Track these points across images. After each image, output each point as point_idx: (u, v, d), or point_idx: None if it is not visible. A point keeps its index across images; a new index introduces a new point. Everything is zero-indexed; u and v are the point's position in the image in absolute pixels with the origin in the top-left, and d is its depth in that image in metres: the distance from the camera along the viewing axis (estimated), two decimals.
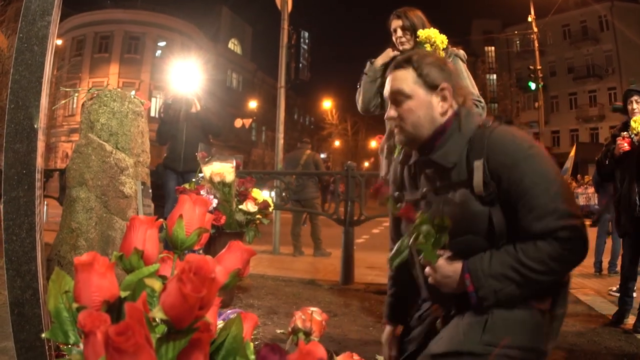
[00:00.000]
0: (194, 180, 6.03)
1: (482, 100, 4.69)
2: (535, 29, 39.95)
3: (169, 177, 8.69)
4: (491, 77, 63.12)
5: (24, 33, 1.87)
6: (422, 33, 4.61)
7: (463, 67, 4.75)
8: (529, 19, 39.82)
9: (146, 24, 55.67)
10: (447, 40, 4.62)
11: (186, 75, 9.15)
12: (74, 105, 43.07)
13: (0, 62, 8.51)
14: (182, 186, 6.00)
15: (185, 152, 8.42)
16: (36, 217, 1.86)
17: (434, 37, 4.53)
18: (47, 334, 1.21)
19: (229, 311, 2.07)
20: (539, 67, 38.21)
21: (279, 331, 4.86)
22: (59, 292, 1.24)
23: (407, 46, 4.86)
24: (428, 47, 4.44)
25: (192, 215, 1.42)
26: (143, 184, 4.79)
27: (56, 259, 4.40)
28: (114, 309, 1.20)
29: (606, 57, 55.21)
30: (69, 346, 1.21)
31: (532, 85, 38.98)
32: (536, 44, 40.36)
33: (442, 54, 4.55)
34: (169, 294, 1.05)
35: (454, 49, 4.88)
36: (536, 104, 45.70)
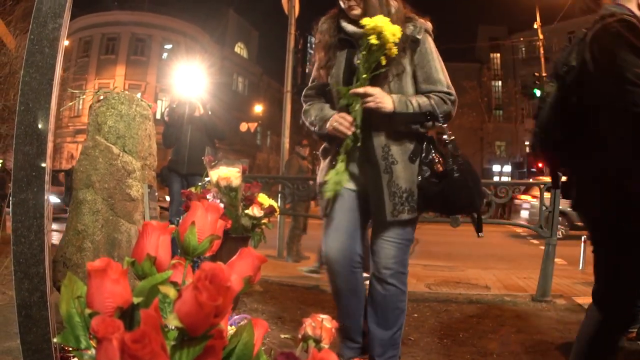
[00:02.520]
0: (200, 184, 6.02)
1: (453, 92, 3.97)
2: (541, 36, 40.02)
3: (173, 179, 8.75)
4: (496, 84, 63.04)
5: (35, 35, 1.88)
6: (368, 22, 3.56)
7: (432, 47, 3.94)
8: (535, 26, 39.89)
9: (153, 26, 55.77)
10: (400, 32, 3.57)
11: (191, 78, 9.17)
12: (80, 106, 43.15)
13: (8, 63, 8.51)
14: (188, 190, 6.00)
15: (189, 155, 8.49)
16: (45, 219, 1.86)
17: (381, 27, 3.52)
18: (59, 339, 1.20)
19: (236, 316, 2.07)
20: (544, 74, 38.20)
21: (283, 336, 4.82)
22: (71, 297, 1.23)
23: (356, 11, 3.82)
24: (374, 40, 3.51)
25: (204, 222, 1.42)
26: (150, 187, 4.79)
27: (62, 261, 4.39)
28: (127, 315, 1.20)
29: None
30: (80, 351, 1.21)
31: (538, 92, 38.98)
32: (542, 51, 40.41)
33: (394, 50, 3.59)
34: (185, 302, 1.05)
35: (422, 20, 3.95)
36: None
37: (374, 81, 3.71)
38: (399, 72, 3.81)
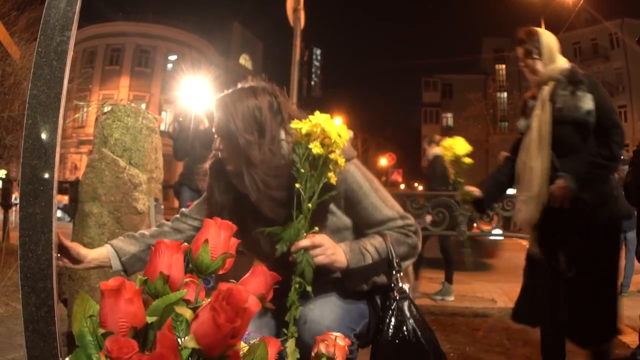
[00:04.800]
0: None
1: (409, 220, 2.80)
2: None
3: (184, 193, 8.73)
4: (502, 96, 63.00)
5: (43, 47, 1.87)
6: (302, 125, 2.44)
7: (359, 178, 2.74)
8: None
9: (157, 37, 55.93)
10: (347, 132, 2.47)
11: (196, 91, 9.18)
12: (84, 117, 43.23)
13: (12, 73, 8.52)
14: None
15: (198, 169, 8.40)
16: (53, 233, 1.85)
17: (323, 126, 2.41)
18: (71, 358, 1.19)
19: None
20: None
21: None
22: (84, 315, 1.22)
23: (224, 155, 2.83)
24: (317, 149, 2.39)
25: (217, 239, 1.41)
26: (156, 200, 4.78)
27: (67, 273, 4.38)
28: (141, 334, 1.19)
29: (616, 74, 55.11)
30: None
31: None
32: None
33: (341, 160, 2.45)
34: (202, 323, 1.04)
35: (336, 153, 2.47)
36: None
37: (317, 217, 2.59)
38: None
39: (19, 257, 1.81)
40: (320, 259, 2.47)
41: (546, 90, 4.27)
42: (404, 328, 2.55)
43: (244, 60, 67.04)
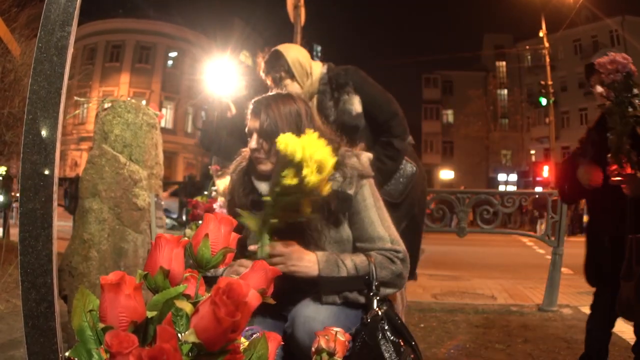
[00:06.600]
0: (205, 193, 5.96)
1: (400, 247, 2.78)
2: (547, 44, 39.99)
3: (208, 188, 8.41)
4: (502, 92, 62.97)
5: (43, 43, 1.86)
6: (282, 143, 2.36)
7: (367, 194, 2.82)
8: (541, 34, 39.88)
9: (158, 34, 55.79)
10: (332, 161, 2.42)
11: (221, 78, 8.91)
12: (84, 114, 43.11)
13: (13, 70, 8.51)
14: (194, 199, 5.94)
15: (224, 162, 8.10)
16: (53, 229, 1.84)
17: (300, 156, 2.32)
18: (71, 353, 1.19)
19: (246, 328, 2.04)
20: (550, 82, 38.17)
21: None
22: (83, 310, 1.22)
23: (265, 166, 2.85)
24: (289, 179, 2.35)
25: (217, 234, 1.40)
26: (156, 196, 4.78)
27: (67, 270, 4.39)
28: (141, 329, 1.18)
29: None
30: None
31: (543, 101, 39.04)
32: (547, 59, 40.35)
33: (327, 188, 2.46)
34: (202, 317, 1.04)
35: (354, 160, 2.82)
36: (547, 120, 45.75)
37: (327, 225, 2.75)
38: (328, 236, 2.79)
39: (19, 252, 1.80)
40: (280, 268, 2.31)
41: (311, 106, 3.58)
42: (371, 353, 2.39)
43: (245, 57, 66.93)
